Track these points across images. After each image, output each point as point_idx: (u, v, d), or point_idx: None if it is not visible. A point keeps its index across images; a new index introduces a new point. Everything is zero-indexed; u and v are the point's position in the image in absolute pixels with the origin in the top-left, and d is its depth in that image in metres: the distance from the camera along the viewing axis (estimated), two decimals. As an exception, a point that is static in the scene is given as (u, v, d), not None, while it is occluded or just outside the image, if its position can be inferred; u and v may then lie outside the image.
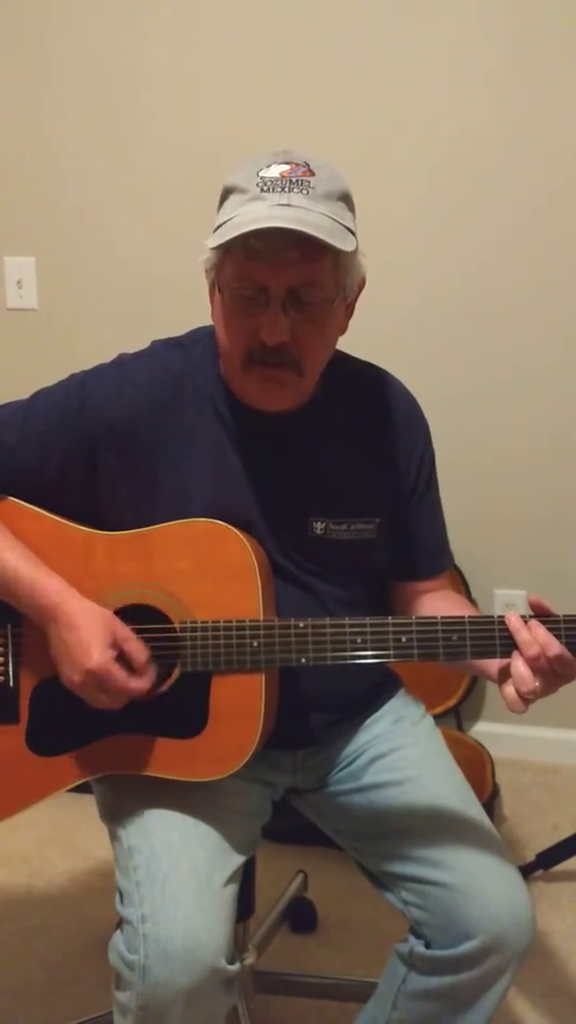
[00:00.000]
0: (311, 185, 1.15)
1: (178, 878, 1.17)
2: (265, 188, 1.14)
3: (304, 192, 1.14)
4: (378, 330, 2.05)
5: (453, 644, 1.17)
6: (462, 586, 2.43)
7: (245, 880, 1.33)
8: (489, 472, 2.42)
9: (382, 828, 1.31)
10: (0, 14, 2.39)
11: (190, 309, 1.37)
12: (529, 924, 1.22)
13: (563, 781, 2.45)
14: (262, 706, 1.20)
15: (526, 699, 1.15)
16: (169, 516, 1.24)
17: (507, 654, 1.16)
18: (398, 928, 1.31)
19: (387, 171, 2.29)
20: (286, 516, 1.29)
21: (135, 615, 1.23)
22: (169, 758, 1.22)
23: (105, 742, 1.24)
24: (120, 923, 1.19)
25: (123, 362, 1.32)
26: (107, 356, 1.34)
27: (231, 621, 1.20)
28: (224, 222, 1.15)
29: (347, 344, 1.29)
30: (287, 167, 1.16)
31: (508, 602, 2.46)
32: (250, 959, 1.57)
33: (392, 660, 1.20)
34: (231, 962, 1.17)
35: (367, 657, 1.19)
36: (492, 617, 1.18)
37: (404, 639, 1.18)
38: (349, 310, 1.26)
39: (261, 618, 1.20)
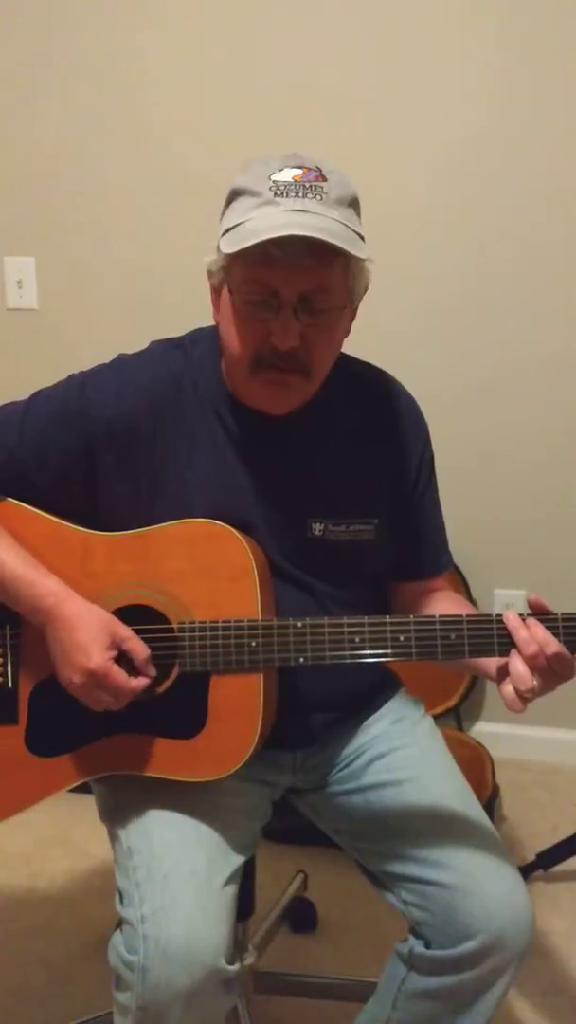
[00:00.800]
0: (324, 191, 1.14)
1: (178, 878, 1.17)
2: (279, 192, 1.13)
3: (318, 198, 1.13)
4: (378, 331, 2.05)
5: (451, 643, 1.17)
6: (462, 586, 2.43)
7: (245, 880, 1.33)
8: (489, 472, 2.42)
9: (382, 828, 1.31)
10: (0, 14, 2.39)
11: (190, 309, 1.38)
12: (529, 924, 1.22)
13: (563, 781, 2.45)
14: (261, 706, 1.20)
15: (525, 698, 1.15)
16: (168, 517, 1.24)
17: (505, 653, 1.16)
18: (398, 928, 1.31)
19: (388, 172, 2.29)
20: (285, 517, 1.29)
21: (134, 615, 1.23)
22: (168, 758, 1.22)
23: (104, 743, 1.24)
24: (120, 923, 1.19)
25: (122, 363, 1.32)
26: (107, 356, 1.34)
27: (229, 621, 1.20)
28: (235, 225, 1.14)
29: (347, 345, 1.29)
30: (299, 171, 1.15)
31: (508, 602, 2.46)
32: (250, 959, 1.57)
33: (390, 659, 1.20)
34: (231, 962, 1.17)
35: (365, 656, 1.19)
36: (490, 616, 1.18)
37: (402, 638, 1.18)
38: (353, 314, 1.26)
39: (259, 618, 1.20)
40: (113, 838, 1.29)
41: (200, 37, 2.31)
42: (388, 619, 1.19)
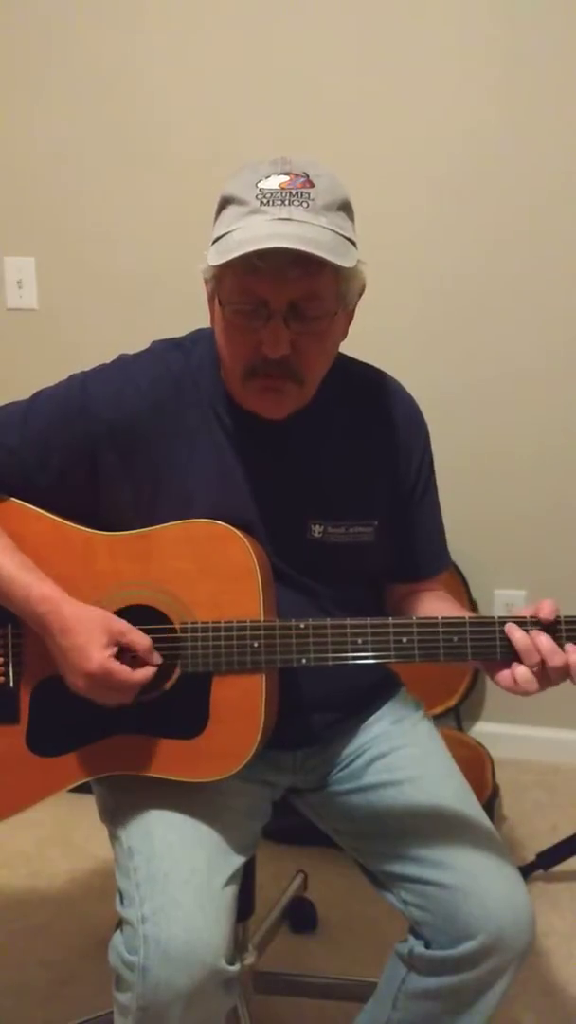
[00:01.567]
0: (311, 197, 1.13)
1: (178, 879, 1.17)
2: (265, 201, 1.13)
3: (304, 205, 1.13)
4: (378, 332, 2.05)
5: (454, 645, 1.17)
6: (462, 586, 2.43)
7: (245, 880, 1.33)
8: (489, 472, 2.42)
9: (382, 828, 1.31)
10: (0, 14, 2.39)
11: (190, 309, 1.38)
12: (529, 924, 1.22)
13: (563, 781, 2.45)
14: (263, 707, 1.20)
15: (526, 692, 1.15)
16: (169, 517, 1.24)
17: (507, 655, 1.16)
18: (398, 928, 1.31)
19: (387, 173, 2.29)
20: (284, 518, 1.29)
21: (136, 615, 1.22)
22: (169, 759, 1.22)
23: (105, 742, 1.24)
24: (120, 924, 1.19)
25: (123, 363, 1.32)
26: (107, 356, 1.34)
27: (232, 622, 1.20)
28: (223, 235, 1.14)
29: (347, 346, 1.29)
30: (286, 178, 1.14)
31: (508, 602, 2.46)
32: (250, 959, 1.57)
33: (393, 661, 1.20)
34: (231, 962, 1.17)
35: (368, 658, 1.19)
36: (493, 618, 1.18)
37: (405, 640, 1.18)
38: (349, 317, 1.26)
39: (262, 619, 1.20)
40: (113, 838, 1.29)
41: (200, 35, 2.31)
42: (391, 621, 1.19)
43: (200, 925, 1.14)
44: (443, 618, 1.19)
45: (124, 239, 2.45)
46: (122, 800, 1.28)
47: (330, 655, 1.19)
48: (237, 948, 1.28)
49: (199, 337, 1.32)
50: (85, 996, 1.71)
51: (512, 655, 1.16)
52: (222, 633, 1.20)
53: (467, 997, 1.23)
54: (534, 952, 1.27)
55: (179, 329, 1.36)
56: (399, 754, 1.35)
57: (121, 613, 1.22)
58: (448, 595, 1.43)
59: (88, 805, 1.38)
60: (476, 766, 2.29)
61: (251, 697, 1.20)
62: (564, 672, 1.14)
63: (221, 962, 1.14)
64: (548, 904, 1.98)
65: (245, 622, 1.20)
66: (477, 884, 1.22)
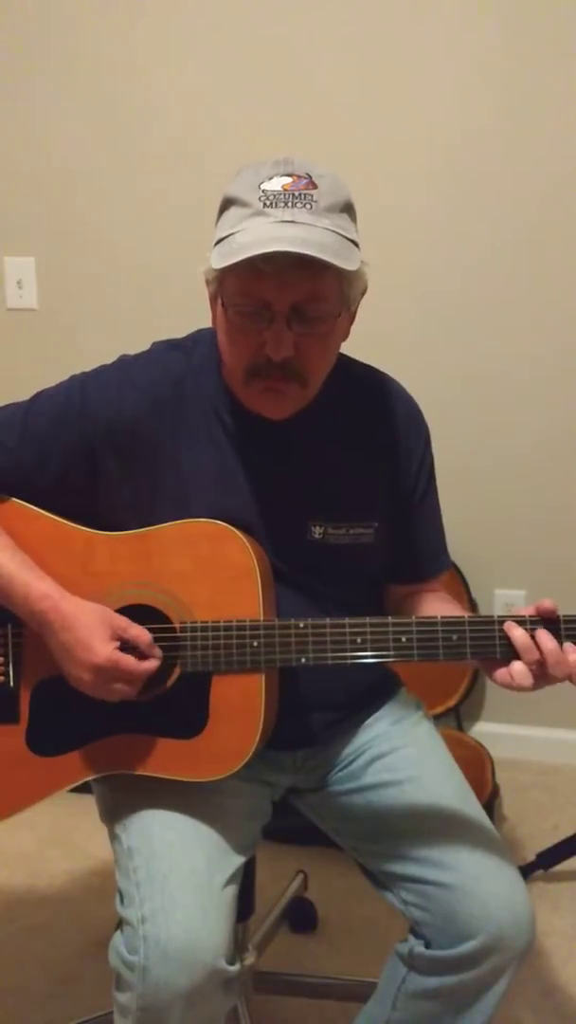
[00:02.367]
0: (314, 199, 1.13)
1: (178, 879, 1.17)
2: (268, 203, 1.13)
3: (307, 207, 1.13)
4: (378, 332, 2.04)
5: (453, 644, 1.17)
6: (462, 586, 2.43)
7: (245, 880, 1.33)
8: (489, 472, 2.42)
9: (382, 828, 1.31)
10: (1, 14, 2.39)
11: (190, 309, 1.38)
12: (529, 924, 1.22)
13: (563, 781, 2.45)
14: (262, 706, 1.20)
15: (522, 688, 1.16)
16: (169, 517, 1.24)
17: (507, 654, 1.16)
18: (398, 928, 1.31)
19: (388, 173, 2.29)
20: (285, 519, 1.29)
21: (135, 615, 1.22)
22: (169, 758, 1.22)
23: (105, 742, 1.24)
24: (120, 924, 1.19)
25: (124, 363, 1.32)
26: (107, 356, 1.34)
27: (231, 621, 1.20)
28: (225, 236, 1.14)
29: (347, 346, 1.29)
30: (289, 179, 1.14)
31: (508, 602, 2.46)
32: (250, 959, 1.57)
33: (392, 660, 1.20)
34: (231, 962, 1.17)
35: (367, 657, 1.19)
36: (492, 617, 1.18)
37: (404, 639, 1.18)
38: (352, 317, 1.25)
39: (261, 618, 1.20)
40: (113, 838, 1.29)
41: (201, 36, 2.32)
42: (390, 620, 1.19)
43: (200, 925, 1.14)
44: (442, 617, 1.19)
45: (124, 239, 2.45)
46: (122, 800, 1.28)
47: (329, 654, 1.19)
48: (237, 948, 1.28)
49: (200, 338, 1.32)
50: (85, 996, 1.71)
51: (511, 654, 1.16)
52: (221, 633, 1.20)
53: (467, 997, 1.23)
54: (534, 952, 1.27)
55: (179, 329, 1.36)
56: (399, 754, 1.35)
57: (120, 613, 1.22)
58: (449, 596, 1.43)
59: (88, 805, 1.38)
60: (476, 766, 2.29)
61: (251, 696, 1.20)
62: (563, 670, 1.14)
63: (221, 962, 1.14)
64: (548, 904, 1.98)
65: (244, 622, 1.20)
66: (477, 884, 1.22)
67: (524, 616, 1.17)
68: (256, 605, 1.21)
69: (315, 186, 1.14)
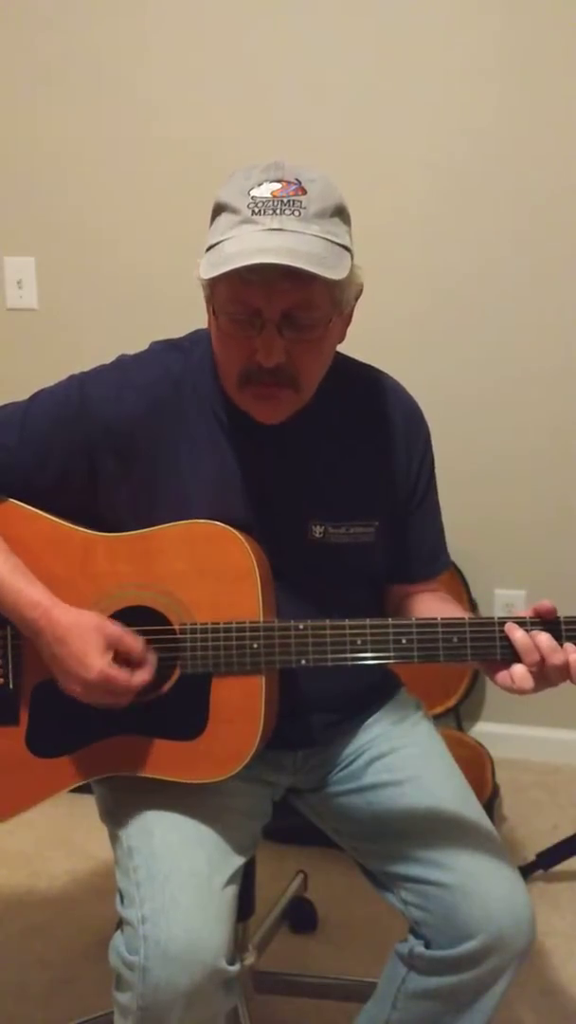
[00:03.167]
0: (303, 204, 1.13)
1: (178, 879, 1.17)
2: (256, 210, 1.12)
3: (296, 213, 1.12)
4: (378, 332, 2.04)
5: (453, 646, 1.17)
6: (462, 586, 2.43)
7: (245, 880, 1.33)
8: (489, 473, 2.42)
9: (382, 828, 1.31)
10: (1, 16, 2.39)
11: (190, 309, 1.37)
12: (529, 924, 1.22)
13: (563, 781, 2.45)
14: (262, 708, 1.20)
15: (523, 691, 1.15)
16: (169, 518, 1.24)
17: (507, 656, 1.16)
18: (398, 928, 1.31)
19: (388, 173, 2.29)
20: (285, 519, 1.29)
21: (135, 617, 1.23)
22: (169, 760, 1.22)
23: (105, 743, 1.24)
24: (120, 924, 1.19)
25: (122, 364, 1.32)
26: (107, 356, 1.34)
27: (231, 623, 1.20)
28: (215, 244, 1.14)
29: (348, 346, 1.29)
30: (278, 185, 1.13)
31: (508, 602, 2.46)
32: (250, 959, 1.57)
33: (392, 661, 1.20)
34: (231, 963, 1.17)
35: (367, 659, 1.19)
36: (492, 619, 1.18)
37: (404, 640, 1.18)
38: (347, 320, 1.25)
39: (261, 620, 1.20)
40: (114, 838, 1.29)
41: (201, 37, 2.31)
42: (390, 621, 1.19)
43: (200, 925, 1.14)
44: (442, 619, 1.19)
45: (124, 239, 2.45)
46: (122, 800, 1.28)
47: (329, 656, 1.19)
48: (237, 948, 1.28)
49: (198, 338, 1.32)
50: (85, 996, 1.72)
51: (512, 656, 1.15)
52: (221, 634, 1.20)
53: (467, 997, 1.23)
54: (534, 952, 1.27)
55: (179, 329, 1.36)
56: (399, 754, 1.35)
57: (120, 614, 1.22)
58: (449, 596, 1.43)
59: (88, 805, 1.38)
60: (476, 766, 2.29)
61: (251, 698, 1.21)
62: (564, 671, 1.14)
63: (221, 962, 1.14)
64: (548, 904, 1.98)
65: (244, 623, 1.20)
66: (477, 884, 1.22)
67: (524, 618, 1.17)
68: (256, 606, 1.21)
69: (304, 191, 1.13)
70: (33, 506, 1.28)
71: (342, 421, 1.32)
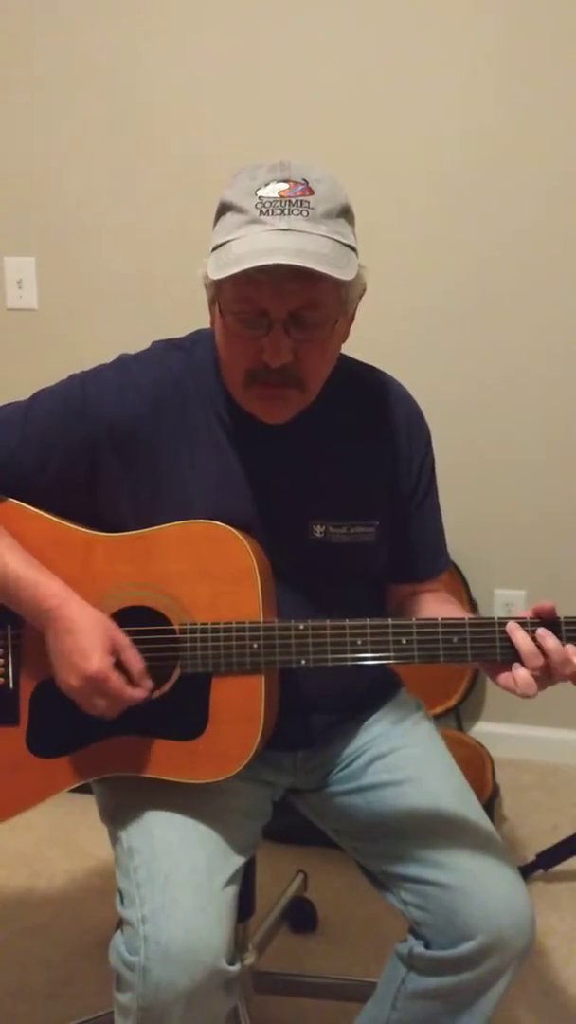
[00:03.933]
0: (311, 205, 1.13)
1: (178, 879, 1.17)
2: (264, 210, 1.12)
3: (304, 214, 1.12)
4: (379, 332, 2.04)
5: (454, 646, 1.17)
6: (462, 586, 2.43)
7: (245, 880, 1.33)
8: (489, 473, 2.42)
9: (382, 828, 1.31)
10: (0, 15, 2.39)
11: (190, 309, 1.38)
12: (529, 924, 1.22)
13: (563, 781, 2.45)
14: (262, 708, 1.20)
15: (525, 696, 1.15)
16: (169, 518, 1.24)
17: (507, 656, 1.16)
18: (398, 928, 1.31)
19: (388, 174, 2.29)
20: (286, 519, 1.29)
21: (135, 617, 1.23)
22: (169, 760, 1.22)
23: (105, 744, 1.24)
24: (120, 924, 1.19)
25: (124, 363, 1.32)
26: (107, 356, 1.34)
27: (231, 623, 1.20)
28: (222, 243, 1.14)
29: (348, 347, 1.29)
30: (285, 186, 1.13)
31: (508, 602, 2.46)
32: (250, 959, 1.57)
33: (392, 662, 1.20)
34: (231, 963, 1.17)
35: (367, 659, 1.19)
36: (493, 619, 1.18)
37: (404, 641, 1.18)
38: (350, 319, 1.25)
39: (261, 620, 1.20)
40: (114, 838, 1.29)
41: (201, 37, 2.31)
42: (390, 621, 1.19)
43: (200, 925, 1.14)
44: (443, 619, 1.18)
45: (124, 239, 2.45)
46: (122, 800, 1.28)
47: (329, 656, 1.19)
48: (237, 948, 1.28)
49: (199, 338, 1.32)
50: (85, 996, 1.72)
51: (512, 656, 1.15)
52: (221, 634, 1.20)
53: (467, 997, 1.23)
54: (534, 952, 1.27)
55: (179, 329, 1.36)
56: (399, 754, 1.35)
57: (120, 614, 1.22)
58: (450, 596, 1.43)
59: (88, 805, 1.38)
60: (476, 766, 2.29)
61: (250, 698, 1.20)
62: (567, 670, 1.14)
63: (221, 962, 1.14)
64: (548, 904, 1.98)
65: (244, 623, 1.20)
66: (477, 884, 1.22)
67: (524, 618, 1.17)
68: (256, 606, 1.21)
69: (312, 192, 1.14)
70: (33, 506, 1.28)
71: (344, 421, 1.32)
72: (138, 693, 1.19)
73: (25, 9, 2.37)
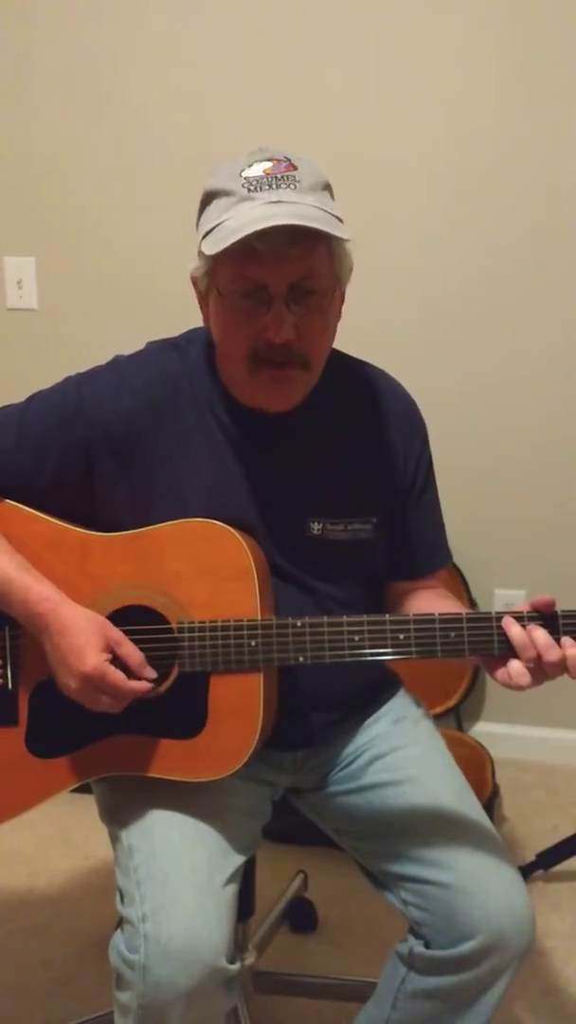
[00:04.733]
0: (296, 179, 1.15)
1: (178, 877, 1.17)
2: (252, 188, 1.14)
3: (292, 187, 1.14)
4: (378, 331, 2.04)
5: (451, 641, 1.17)
6: (462, 586, 2.43)
7: (245, 880, 1.33)
8: (489, 472, 2.42)
9: (382, 828, 1.31)
10: (1, 15, 2.39)
11: (190, 309, 1.37)
12: (529, 924, 1.22)
13: (563, 781, 2.45)
14: (261, 706, 1.20)
15: (520, 687, 1.15)
16: (166, 517, 1.24)
17: (505, 651, 1.16)
18: (398, 928, 1.31)
19: (387, 173, 2.29)
20: (283, 516, 1.29)
21: (132, 616, 1.23)
22: (169, 759, 1.22)
23: (104, 743, 1.24)
24: (120, 923, 1.19)
25: (119, 364, 1.32)
26: (107, 356, 1.34)
27: (229, 621, 1.20)
28: (214, 227, 1.15)
29: (348, 346, 1.29)
30: (269, 164, 1.16)
31: (508, 602, 2.45)
32: (250, 959, 1.57)
33: (390, 658, 1.20)
34: (231, 962, 1.17)
35: (365, 655, 1.19)
36: (490, 614, 1.18)
37: (402, 637, 1.18)
38: (342, 298, 1.26)
39: (259, 618, 1.20)
40: (114, 838, 1.29)
41: (200, 37, 2.31)
42: (388, 617, 1.19)
43: (200, 924, 1.14)
44: (440, 614, 1.19)
45: (124, 239, 2.45)
46: (122, 799, 1.28)
47: (327, 653, 1.19)
48: (237, 948, 1.28)
49: (194, 336, 1.32)
50: (85, 996, 1.71)
51: (509, 651, 1.15)
52: (219, 632, 1.20)
53: (467, 997, 1.23)
54: (534, 952, 1.27)
55: (179, 329, 1.37)
56: (399, 754, 1.35)
57: (118, 614, 1.22)
58: (449, 593, 1.43)
59: (88, 805, 1.38)
60: (476, 766, 2.28)
61: (249, 696, 1.20)
62: (560, 667, 1.14)
63: (221, 961, 1.14)
64: (548, 904, 1.98)
65: (242, 621, 1.20)
66: (477, 884, 1.22)
67: (522, 612, 1.17)
68: (254, 604, 1.21)
69: (295, 167, 1.16)
70: (30, 507, 1.28)
71: (340, 418, 1.32)
72: (140, 685, 1.18)
73: (26, 9, 2.37)
